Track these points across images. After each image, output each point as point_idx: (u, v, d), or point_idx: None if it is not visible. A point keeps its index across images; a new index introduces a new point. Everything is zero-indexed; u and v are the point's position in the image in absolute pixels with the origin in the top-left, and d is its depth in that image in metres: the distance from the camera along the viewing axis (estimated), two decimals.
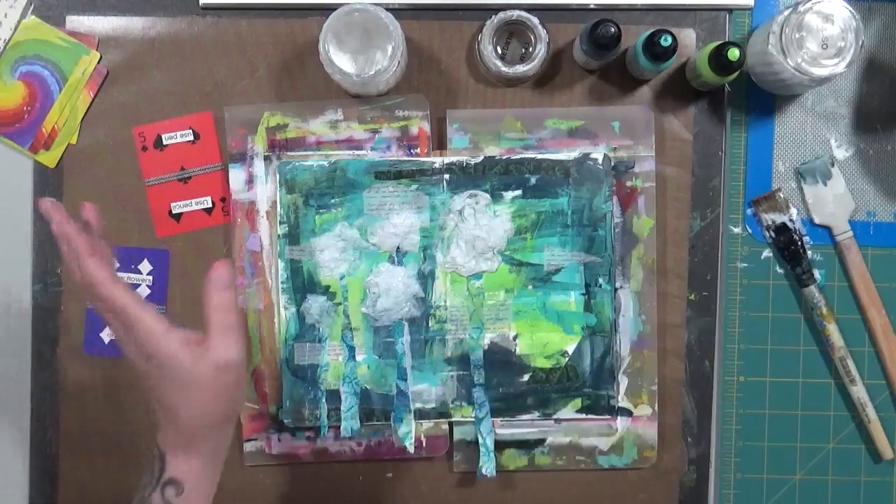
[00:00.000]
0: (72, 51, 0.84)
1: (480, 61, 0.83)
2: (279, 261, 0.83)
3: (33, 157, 0.85)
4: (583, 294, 0.83)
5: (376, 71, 0.78)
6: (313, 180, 0.83)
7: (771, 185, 0.86)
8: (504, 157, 0.83)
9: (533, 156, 0.83)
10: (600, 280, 0.83)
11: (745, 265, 0.86)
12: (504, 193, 0.83)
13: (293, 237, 0.83)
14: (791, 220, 0.85)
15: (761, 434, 0.86)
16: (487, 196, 0.83)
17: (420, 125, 0.84)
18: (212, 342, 0.64)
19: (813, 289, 0.84)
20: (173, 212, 0.85)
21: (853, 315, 0.85)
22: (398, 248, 0.83)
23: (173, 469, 0.65)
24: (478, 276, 0.84)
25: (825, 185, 0.85)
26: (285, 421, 0.84)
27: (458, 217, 0.83)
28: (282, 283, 0.83)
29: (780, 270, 0.86)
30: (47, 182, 0.85)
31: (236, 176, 0.84)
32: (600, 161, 0.83)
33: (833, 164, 0.86)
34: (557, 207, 0.83)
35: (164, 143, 0.85)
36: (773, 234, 0.85)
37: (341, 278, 0.83)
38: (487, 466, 0.83)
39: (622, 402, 0.84)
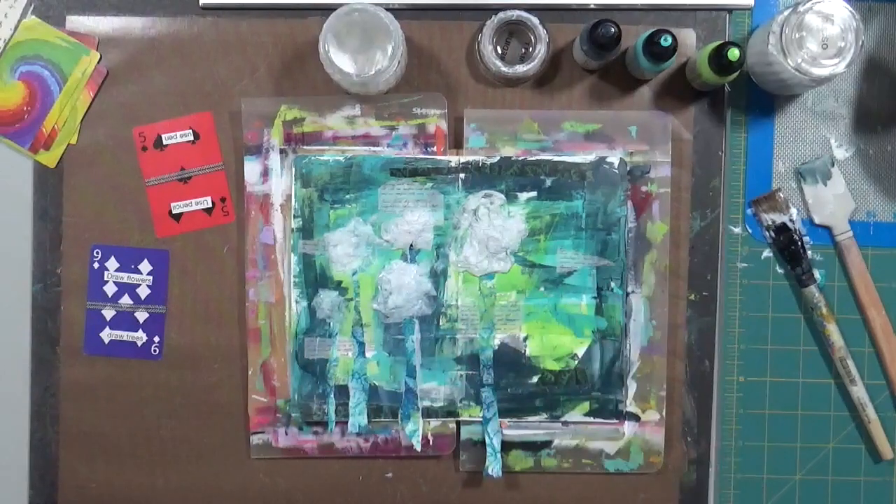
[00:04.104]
0: (72, 51, 0.84)
1: (480, 61, 0.83)
2: (292, 255, 0.83)
3: (33, 157, 0.85)
4: (594, 297, 0.83)
5: (376, 71, 0.78)
6: (329, 175, 0.83)
7: (771, 185, 0.86)
8: (520, 158, 0.83)
9: (549, 158, 0.83)
10: (612, 284, 0.83)
11: (745, 265, 0.86)
12: (519, 194, 0.83)
13: (307, 231, 0.83)
14: (791, 220, 0.85)
15: (761, 434, 0.86)
16: (502, 196, 0.83)
17: (437, 123, 0.84)
18: None
19: (813, 289, 0.84)
20: (173, 212, 0.85)
21: (853, 315, 0.86)
22: (411, 245, 0.83)
23: None
24: (490, 276, 0.84)
25: (825, 185, 0.85)
26: (293, 415, 0.84)
27: (472, 216, 0.83)
28: (294, 277, 0.83)
29: (780, 270, 0.86)
30: (47, 182, 0.85)
31: (251, 168, 0.84)
32: (616, 165, 0.83)
33: (833, 164, 0.86)
34: (572, 210, 0.83)
35: (164, 143, 0.85)
36: (773, 234, 0.85)
37: (353, 274, 0.84)
38: (493, 467, 0.83)
39: (630, 406, 0.84)
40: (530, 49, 0.83)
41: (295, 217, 0.83)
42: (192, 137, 0.85)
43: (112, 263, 0.85)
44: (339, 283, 0.84)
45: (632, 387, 0.84)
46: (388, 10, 0.79)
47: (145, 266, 0.85)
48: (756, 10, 0.85)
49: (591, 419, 0.84)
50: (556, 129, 0.84)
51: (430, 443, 0.84)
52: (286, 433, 0.84)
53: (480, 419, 0.84)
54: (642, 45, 0.78)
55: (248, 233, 0.84)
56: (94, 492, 0.85)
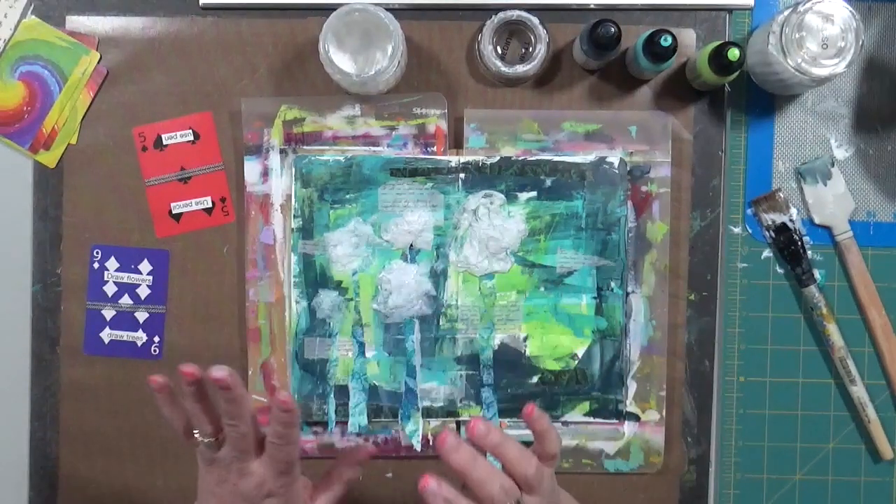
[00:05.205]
0: (72, 51, 0.84)
1: (480, 61, 0.83)
2: (292, 254, 0.83)
3: (33, 157, 0.85)
4: (594, 297, 0.83)
5: (376, 71, 0.78)
6: (329, 175, 0.83)
7: (771, 185, 0.86)
8: (520, 158, 0.83)
9: (549, 158, 0.83)
10: (612, 284, 0.83)
11: (745, 265, 0.86)
12: (519, 194, 0.83)
13: (307, 231, 0.83)
14: (791, 220, 0.85)
15: (761, 434, 0.86)
16: (502, 196, 0.83)
17: (437, 123, 0.84)
18: None
19: (813, 289, 0.84)
20: (173, 212, 0.85)
21: (853, 315, 0.85)
22: (411, 245, 0.84)
23: None
24: (490, 276, 0.84)
25: (825, 185, 0.85)
26: None
27: (472, 216, 0.83)
28: (294, 276, 0.83)
29: (780, 270, 0.86)
30: (47, 182, 0.85)
31: (251, 168, 0.84)
32: (616, 165, 0.83)
33: (833, 164, 0.86)
34: (572, 210, 0.83)
35: (164, 143, 0.85)
36: (773, 234, 0.85)
37: (353, 274, 0.84)
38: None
39: (630, 406, 0.84)
40: (530, 49, 0.83)
41: (295, 217, 0.83)
42: (192, 137, 0.85)
43: (112, 263, 0.85)
44: (339, 283, 0.84)
45: (632, 387, 0.84)
46: (388, 10, 0.79)
47: (145, 266, 0.85)
48: (756, 10, 0.85)
49: (591, 419, 0.84)
50: (555, 129, 0.84)
51: (430, 443, 0.84)
52: None
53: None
54: (642, 45, 0.78)
55: (248, 233, 0.84)
56: (94, 492, 0.85)
